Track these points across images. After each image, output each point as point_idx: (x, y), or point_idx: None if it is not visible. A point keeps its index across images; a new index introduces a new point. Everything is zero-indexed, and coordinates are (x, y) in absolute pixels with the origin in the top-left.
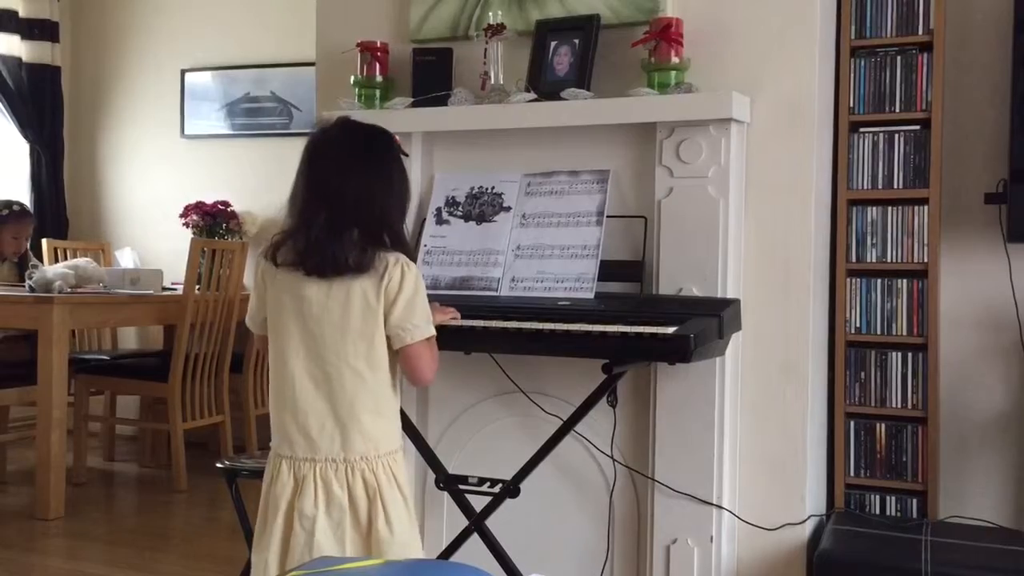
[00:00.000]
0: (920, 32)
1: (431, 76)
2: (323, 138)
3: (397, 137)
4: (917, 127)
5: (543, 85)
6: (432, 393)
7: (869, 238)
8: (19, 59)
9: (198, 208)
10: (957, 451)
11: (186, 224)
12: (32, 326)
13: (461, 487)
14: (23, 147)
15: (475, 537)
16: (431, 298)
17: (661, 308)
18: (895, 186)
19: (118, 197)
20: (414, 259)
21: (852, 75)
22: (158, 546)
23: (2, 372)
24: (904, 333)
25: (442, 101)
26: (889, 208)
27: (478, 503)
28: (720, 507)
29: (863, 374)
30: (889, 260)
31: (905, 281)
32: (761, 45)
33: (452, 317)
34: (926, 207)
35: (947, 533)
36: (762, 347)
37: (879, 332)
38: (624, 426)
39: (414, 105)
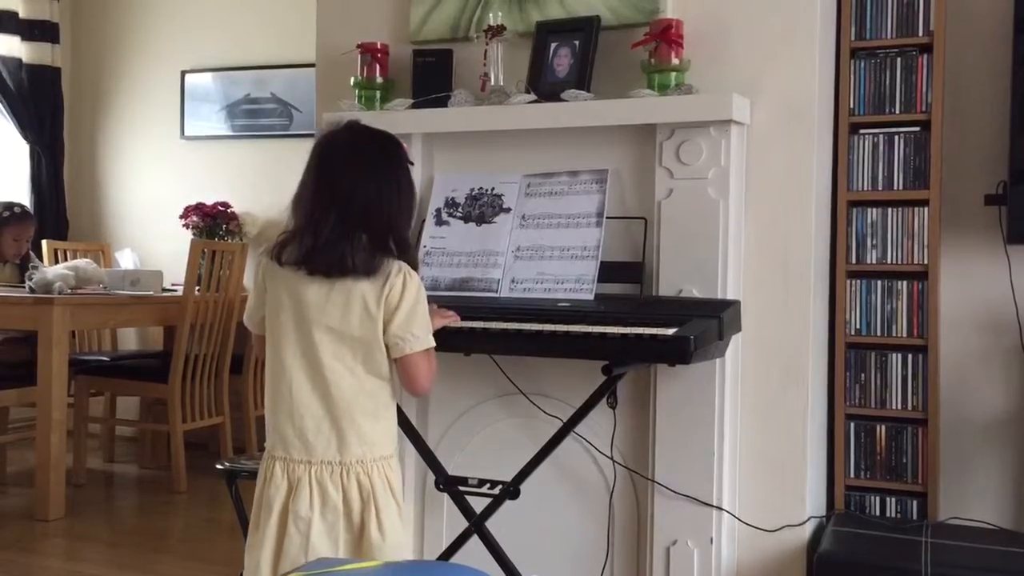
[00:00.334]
0: (920, 33)
1: (431, 77)
2: (334, 141)
3: (405, 145)
4: (917, 128)
5: (543, 86)
6: (432, 394)
7: (869, 239)
8: (19, 60)
9: (198, 209)
10: (957, 452)
11: (186, 225)
12: (32, 327)
13: (461, 488)
14: (23, 148)
15: (475, 538)
16: (431, 299)
17: (661, 309)
18: (895, 187)
19: (118, 198)
20: (416, 266)
21: (852, 76)
22: (158, 547)
23: (2, 373)
24: (904, 334)
25: (442, 102)
26: (889, 209)
27: (478, 504)
28: (720, 508)
29: (863, 375)
30: (889, 261)
31: (905, 282)
32: (761, 46)
33: (451, 320)
34: (926, 208)
35: (947, 535)
36: (762, 348)
37: (879, 333)
38: (624, 427)
39: (414, 106)
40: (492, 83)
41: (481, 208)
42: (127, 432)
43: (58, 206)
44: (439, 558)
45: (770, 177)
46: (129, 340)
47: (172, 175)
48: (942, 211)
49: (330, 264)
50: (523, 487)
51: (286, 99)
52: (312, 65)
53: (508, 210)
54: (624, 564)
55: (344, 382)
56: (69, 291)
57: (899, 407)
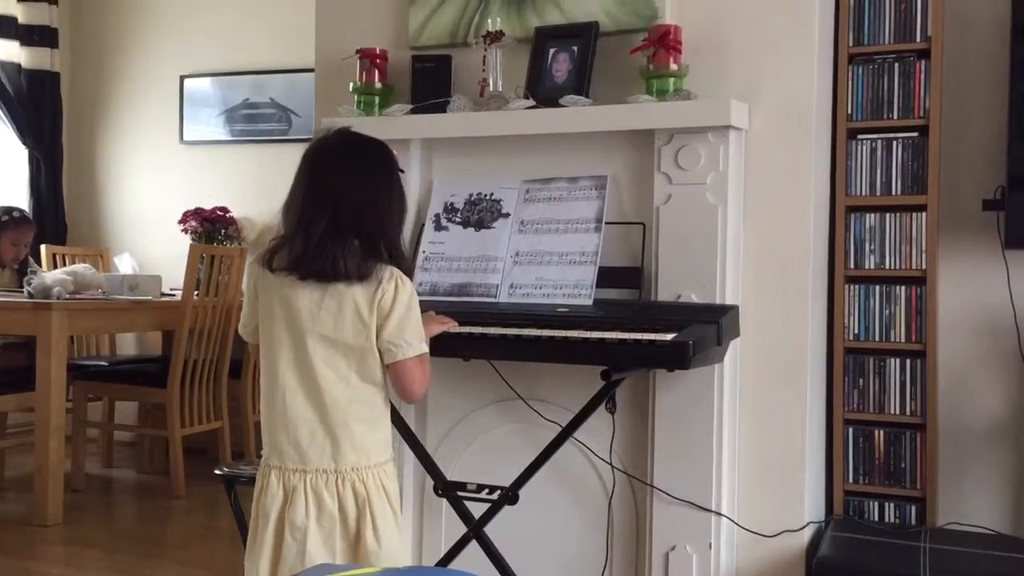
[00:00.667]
0: (918, 39)
1: (430, 83)
2: (325, 147)
3: (395, 153)
4: (915, 134)
5: (542, 92)
6: (431, 400)
7: (867, 244)
8: (18, 65)
9: (197, 214)
10: (956, 457)
11: (185, 230)
12: (31, 332)
13: (460, 494)
14: (22, 153)
15: (474, 544)
16: (430, 305)
17: (659, 315)
18: (893, 193)
19: (117, 203)
20: (411, 271)
21: (850, 82)
22: (156, 552)
23: (0, 378)
24: (902, 339)
25: (441, 108)
26: (887, 215)
27: (477, 510)
28: (719, 514)
29: (862, 380)
30: (887, 266)
31: (903, 287)
32: (759, 52)
33: (449, 326)
34: (924, 214)
35: (946, 540)
36: (761, 353)
37: (877, 338)
38: (623, 433)
39: (413, 112)
40: (491, 89)
41: (480, 213)
42: (125, 437)
43: (57, 211)
44: (438, 563)
45: (768, 182)
46: (128, 345)
47: (171, 180)
48: (940, 216)
49: (322, 268)
50: (522, 492)
51: (285, 104)
52: (311, 70)
53: (507, 215)
54: (623, 570)
55: (338, 389)
56: (68, 296)
57: (897, 412)
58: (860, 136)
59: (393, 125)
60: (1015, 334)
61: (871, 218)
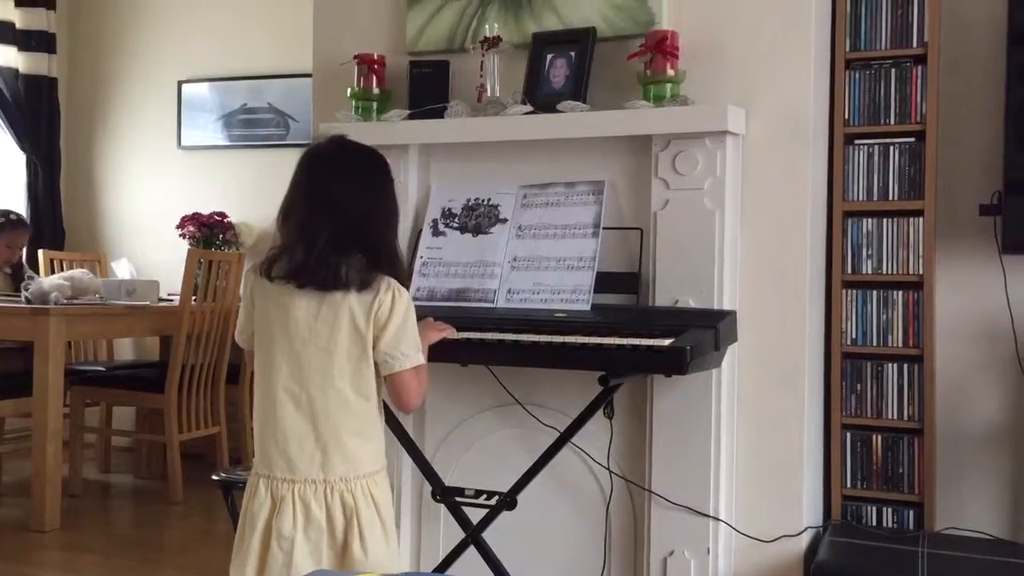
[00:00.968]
0: (914, 44)
1: (428, 88)
2: (323, 154)
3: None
4: (912, 139)
5: (539, 97)
6: (429, 405)
7: (865, 249)
8: (16, 70)
9: (195, 219)
10: (954, 462)
11: (183, 235)
12: (28, 337)
13: (457, 499)
14: (20, 158)
15: (472, 550)
16: (428, 310)
17: (657, 320)
18: (890, 198)
19: (115, 208)
20: (408, 278)
21: (847, 87)
22: (154, 558)
23: None
24: (900, 344)
25: (439, 113)
26: (884, 220)
27: (475, 515)
28: (717, 519)
29: (859, 385)
30: (885, 271)
31: (901, 292)
32: (756, 58)
33: (447, 333)
34: (921, 219)
35: (944, 545)
36: (758, 359)
37: (875, 343)
38: (621, 438)
39: (411, 117)
40: (488, 94)
41: (478, 219)
42: (123, 442)
43: (54, 216)
44: (435, 569)
45: (766, 187)
46: (125, 350)
47: (169, 185)
48: (937, 221)
49: (324, 278)
50: (520, 498)
51: (283, 109)
52: (309, 75)
53: (504, 221)
54: (621, 575)
55: (331, 401)
56: (65, 301)
57: (895, 417)
58: (857, 141)
59: (391, 130)
60: (1012, 339)
61: (868, 223)
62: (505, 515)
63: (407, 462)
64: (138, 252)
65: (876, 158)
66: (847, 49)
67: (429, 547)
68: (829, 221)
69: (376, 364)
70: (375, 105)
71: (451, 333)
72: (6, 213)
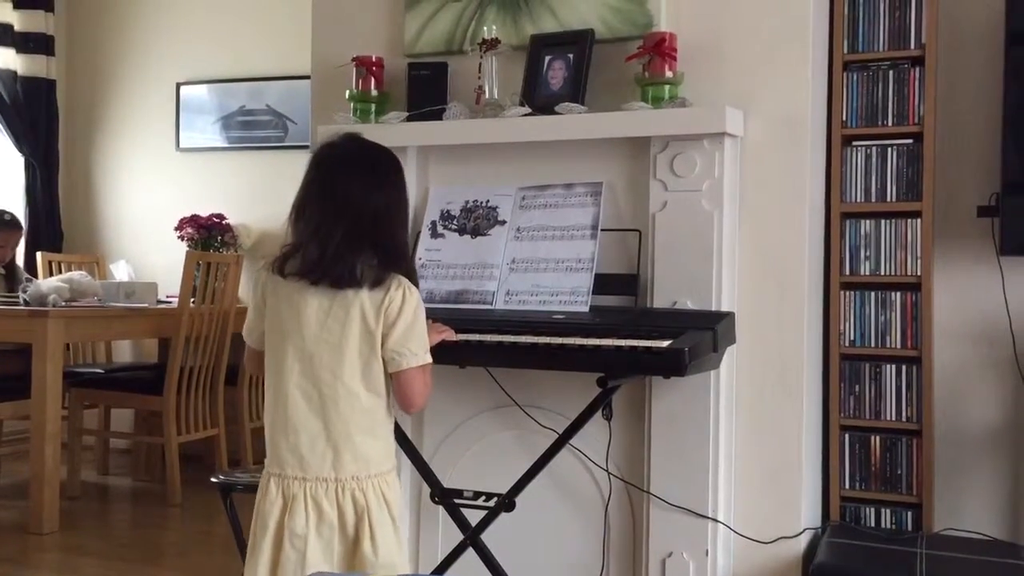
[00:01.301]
0: (912, 46)
1: (426, 90)
2: (338, 152)
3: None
4: (910, 141)
5: (537, 99)
6: (427, 407)
7: (863, 251)
8: (14, 72)
9: (193, 221)
10: (952, 463)
11: (181, 237)
12: (26, 340)
13: (456, 501)
14: (18, 160)
15: (470, 551)
16: (426, 312)
17: (655, 321)
18: (888, 199)
19: (113, 210)
20: (416, 280)
21: (845, 89)
22: (152, 560)
23: None
24: (898, 346)
25: (437, 115)
26: (882, 221)
27: (473, 517)
28: (716, 520)
29: (857, 387)
30: (883, 273)
31: (899, 294)
32: (754, 59)
33: (447, 335)
34: (919, 220)
35: (942, 546)
36: (757, 360)
37: (873, 345)
38: (619, 439)
39: (409, 119)
40: (487, 96)
41: (476, 220)
42: (121, 445)
43: (53, 218)
44: (434, 571)
45: (764, 189)
46: (124, 352)
47: (167, 187)
48: (935, 223)
49: (339, 276)
50: (518, 499)
51: (281, 111)
52: (307, 77)
53: (503, 222)
54: None
55: (341, 398)
56: (63, 303)
57: (893, 418)
58: (855, 143)
59: (389, 132)
60: (1010, 340)
61: (866, 225)
62: (504, 517)
63: (406, 464)
64: (136, 254)
65: (874, 160)
66: (845, 51)
67: (428, 549)
68: (827, 222)
69: (384, 361)
70: (373, 107)
71: (450, 335)
72: (1, 213)
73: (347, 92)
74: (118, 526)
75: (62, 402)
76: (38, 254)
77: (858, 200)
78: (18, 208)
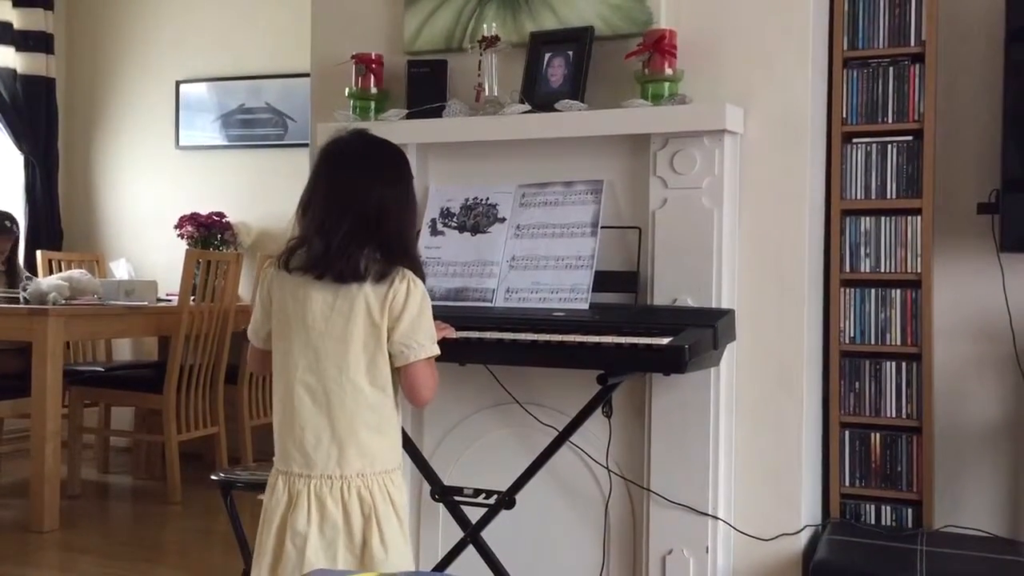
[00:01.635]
0: (912, 43)
1: (426, 88)
2: (345, 147)
3: None
4: (910, 137)
5: (537, 96)
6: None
7: (863, 248)
8: (14, 71)
9: (193, 219)
10: (952, 460)
11: (181, 235)
12: (26, 338)
13: (456, 499)
14: (18, 159)
15: (470, 549)
16: None
17: (655, 319)
18: (888, 196)
19: (113, 208)
20: (423, 275)
21: (845, 86)
22: (153, 558)
23: None
24: (898, 343)
25: (437, 113)
26: (882, 218)
27: (473, 515)
28: (716, 517)
29: (857, 384)
30: (883, 270)
31: (899, 291)
32: (754, 56)
33: (447, 333)
34: (919, 217)
35: (942, 543)
36: (757, 357)
37: (873, 342)
38: (619, 437)
39: (409, 117)
40: (486, 93)
41: (476, 218)
42: (121, 443)
43: (52, 217)
44: (434, 569)
45: (764, 186)
46: (124, 351)
47: (167, 185)
48: (935, 220)
49: (343, 270)
50: (518, 497)
51: (281, 109)
52: (307, 75)
53: (503, 220)
54: (620, 574)
55: (347, 394)
56: (63, 302)
57: (893, 415)
58: (855, 140)
59: (389, 130)
60: (1010, 337)
61: (866, 222)
62: (504, 514)
63: (406, 461)
64: (136, 252)
65: (874, 157)
66: (845, 48)
67: (428, 546)
68: (827, 220)
69: (391, 356)
70: (373, 105)
71: (450, 332)
72: None
73: (347, 90)
74: (118, 524)
75: (62, 400)
76: (38, 252)
77: (858, 197)
78: (18, 206)
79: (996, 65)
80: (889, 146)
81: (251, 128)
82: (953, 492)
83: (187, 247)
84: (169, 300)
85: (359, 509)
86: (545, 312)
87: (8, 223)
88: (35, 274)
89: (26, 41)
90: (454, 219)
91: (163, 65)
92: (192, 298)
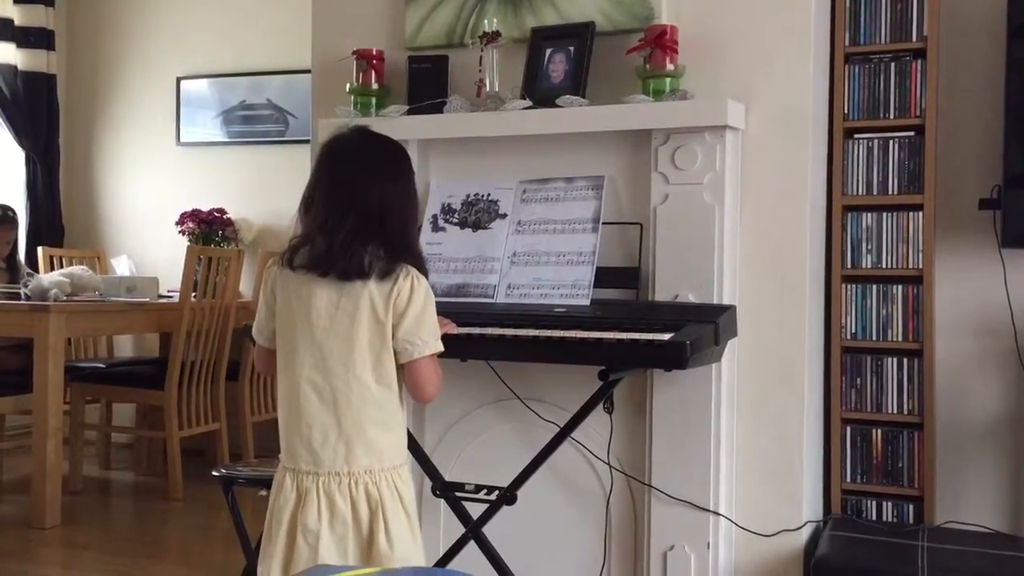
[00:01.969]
0: (914, 39)
1: (427, 83)
2: (347, 144)
3: None
4: (911, 133)
5: (538, 92)
6: None
7: (864, 244)
8: (15, 67)
9: (194, 216)
10: (953, 456)
11: (182, 232)
12: (28, 334)
13: (458, 494)
14: (19, 155)
15: (472, 545)
16: None
17: (657, 315)
18: (890, 192)
19: (114, 205)
20: (426, 272)
21: (846, 82)
22: (154, 554)
23: None
24: (900, 339)
25: (438, 109)
26: (884, 214)
27: (475, 511)
28: (717, 513)
29: (859, 380)
30: (884, 266)
31: (900, 287)
32: (756, 52)
33: (449, 328)
34: (921, 213)
35: (943, 538)
36: (758, 353)
37: (875, 338)
38: (621, 432)
39: (410, 113)
40: (488, 89)
41: (477, 214)
42: (123, 439)
43: (53, 213)
44: (436, 564)
45: (765, 182)
46: (125, 347)
47: (168, 181)
48: (937, 215)
49: (346, 268)
50: (520, 493)
51: (282, 105)
52: (308, 71)
53: (504, 216)
54: (621, 569)
55: (353, 391)
56: (65, 298)
57: (895, 411)
58: (856, 136)
59: (390, 126)
60: (1012, 333)
61: (868, 218)
62: (505, 510)
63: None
64: (137, 249)
65: (876, 152)
66: (846, 43)
67: (429, 542)
68: (828, 215)
69: (395, 352)
70: (374, 100)
71: (451, 328)
72: None
73: (348, 85)
74: (120, 520)
75: (64, 397)
76: (39, 249)
77: (859, 193)
78: (19, 203)
79: (998, 61)
80: (891, 142)
81: (252, 124)
82: (954, 488)
83: (188, 243)
84: (170, 296)
85: (366, 505)
86: (546, 308)
87: (11, 213)
88: (36, 270)
89: (27, 37)
90: (455, 215)
91: (164, 61)
92: (193, 294)
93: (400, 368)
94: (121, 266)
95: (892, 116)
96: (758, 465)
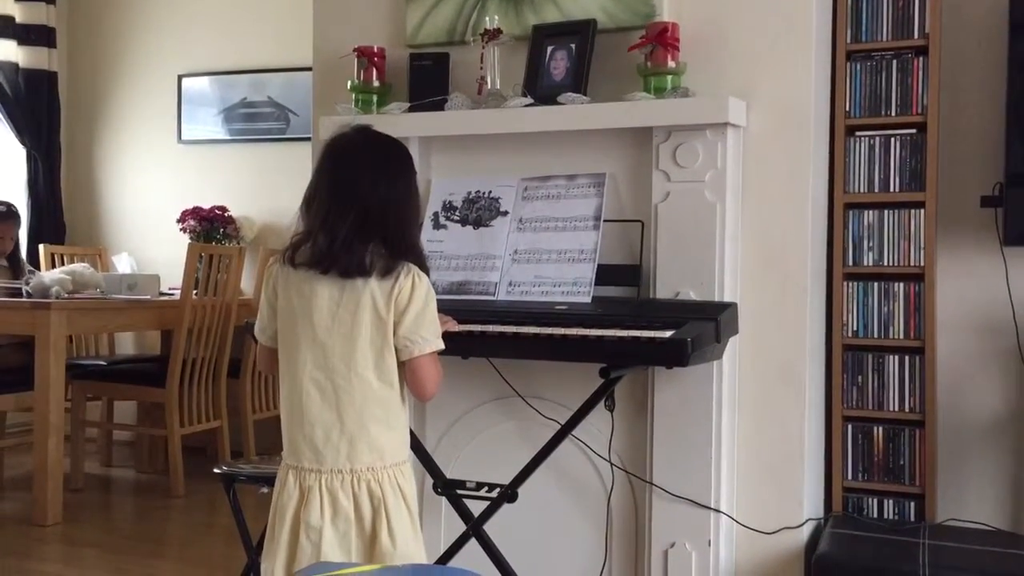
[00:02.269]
0: (916, 36)
1: (428, 81)
2: (349, 143)
3: None
4: (913, 131)
5: (540, 90)
6: None
7: (866, 241)
8: (16, 65)
9: (195, 213)
10: (955, 454)
11: (183, 229)
12: (29, 332)
13: (459, 492)
14: (20, 153)
15: (473, 542)
16: None
17: (658, 312)
18: (891, 190)
19: (115, 202)
20: (427, 270)
21: (848, 79)
22: (156, 552)
23: None
24: (901, 336)
25: (439, 106)
26: (886, 211)
27: (476, 508)
28: (718, 511)
29: (860, 377)
30: (886, 263)
31: (902, 284)
32: (757, 49)
33: (449, 326)
34: (922, 210)
35: (945, 536)
36: (759, 351)
37: (876, 335)
38: (622, 430)
39: (411, 110)
40: (489, 86)
41: (478, 211)
42: (124, 436)
43: (55, 210)
44: (437, 562)
45: (767, 180)
46: (126, 344)
47: (169, 179)
48: (938, 213)
49: (347, 266)
50: (521, 490)
51: (283, 103)
52: (309, 69)
53: (505, 213)
54: (622, 567)
55: (355, 389)
56: (66, 295)
57: (896, 409)
58: (858, 133)
59: (391, 123)
60: (1013, 330)
61: (869, 215)
62: (506, 508)
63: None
64: (139, 246)
65: (877, 150)
66: (848, 40)
67: (431, 540)
68: (830, 213)
69: (396, 350)
70: (375, 98)
71: (453, 326)
72: None
73: (349, 83)
74: (121, 518)
75: (65, 394)
76: (40, 246)
77: (861, 190)
78: (20, 200)
79: (1000, 58)
80: (892, 139)
81: (253, 122)
82: (956, 486)
83: (189, 241)
84: (171, 294)
85: (369, 502)
86: (547, 305)
87: (13, 210)
88: (38, 268)
89: (28, 35)
90: (456, 212)
91: (165, 59)
92: (194, 292)
93: (401, 366)
94: (122, 263)
95: (894, 113)
96: (759, 463)
